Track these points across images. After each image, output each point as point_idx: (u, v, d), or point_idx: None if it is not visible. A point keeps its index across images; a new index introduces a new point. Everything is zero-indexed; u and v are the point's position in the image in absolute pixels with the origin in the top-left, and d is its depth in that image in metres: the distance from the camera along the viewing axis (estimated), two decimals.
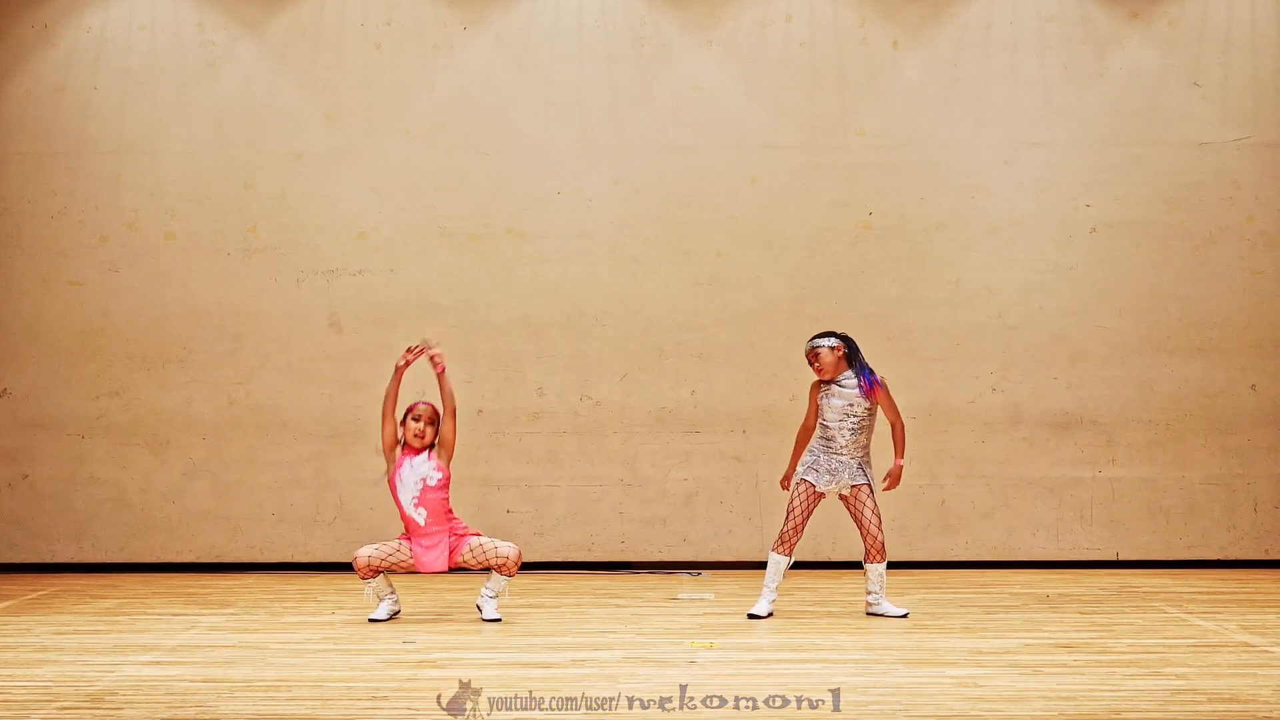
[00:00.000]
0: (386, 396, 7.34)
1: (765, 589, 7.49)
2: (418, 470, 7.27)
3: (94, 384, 9.81)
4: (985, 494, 9.72)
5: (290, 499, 9.78)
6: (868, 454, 7.47)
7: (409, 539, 7.32)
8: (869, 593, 7.51)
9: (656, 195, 9.81)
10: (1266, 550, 9.69)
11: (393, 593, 7.47)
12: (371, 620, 7.37)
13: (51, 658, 6.37)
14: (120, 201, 9.85)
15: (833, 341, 7.47)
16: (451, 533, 7.33)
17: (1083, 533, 9.70)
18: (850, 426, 7.39)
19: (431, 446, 7.32)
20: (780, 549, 7.47)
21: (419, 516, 7.27)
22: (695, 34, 9.86)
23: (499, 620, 7.36)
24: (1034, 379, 9.73)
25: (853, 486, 7.41)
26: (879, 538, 7.44)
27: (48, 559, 9.82)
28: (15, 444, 9.82)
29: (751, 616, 7.42)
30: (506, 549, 7.33)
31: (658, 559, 9.77)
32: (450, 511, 7.37)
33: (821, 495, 7.47)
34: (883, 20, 9.83)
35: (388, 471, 7.34)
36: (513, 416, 9.74)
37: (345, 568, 9.71)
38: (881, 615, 7.45)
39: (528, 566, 9.51)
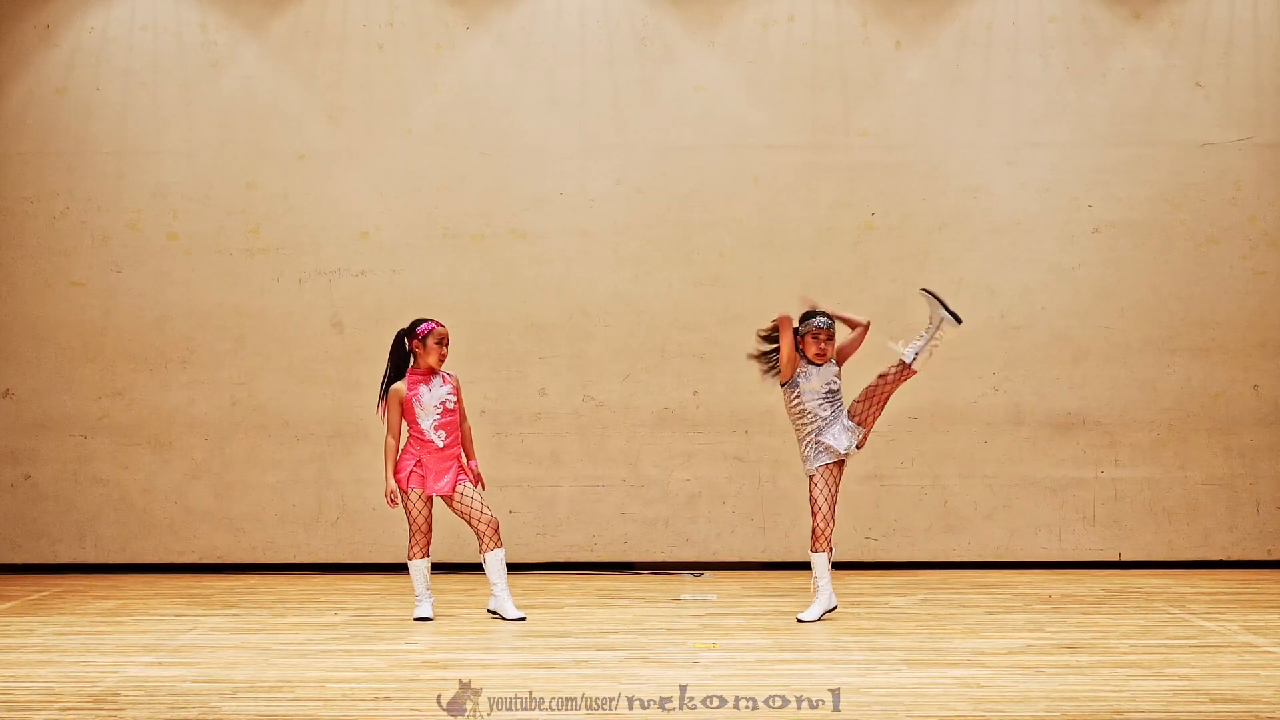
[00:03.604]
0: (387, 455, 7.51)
1: (820, 591, 7.31)
2: (436, 394, 7.44)
3: (96, 384, 9.81)
4: (987, 494, 9.71)
5: (292, 499, 9.78)
6: (842, 407, 7.38)
7: (420, 464, 7.40)
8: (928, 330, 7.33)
9: (659, 195, 9.81)
10: (1269, 551, 9.69)
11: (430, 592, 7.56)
12: (418, 619, 7.41)
13: (54, 658, 6.38)
14: (122, 202, 9.86)
15: (832, 325, 7.40)
16: (458, 459, 7.48)
17: (1085, 533, 9.70)
18: (829, 402, 7.34)
19: (443, 372, 7.51)
20: (820, 546, 7.30)
21: (438, 439, 7.42)
22: (697, 34, 9.86)
23: (524, 619, 7.39)
24: (1036, 379, 9.73)
25: (855, 420, 7.33)
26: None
27: (50, 560, 9.82)
28: (17, 444, 9.82)
29: (801, 621, 7.28)
30: (488, 515, 7.41)
31: (660, 559, 9.77)
32: (460, 443, 7.52)
33: (841, 466, 7.32)
34: (885, 20, 9.83)
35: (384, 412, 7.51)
36: (515, 417, 9.74)
37: (348, 568, 9.73)
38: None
39: (530, 567, 9.53)
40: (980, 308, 9.73)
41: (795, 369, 7.35)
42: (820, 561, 7.34)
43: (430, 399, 7.41)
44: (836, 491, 7.34)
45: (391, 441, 7.44)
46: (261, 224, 9.84)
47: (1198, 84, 9.77)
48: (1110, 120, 9.78)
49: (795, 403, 7.37)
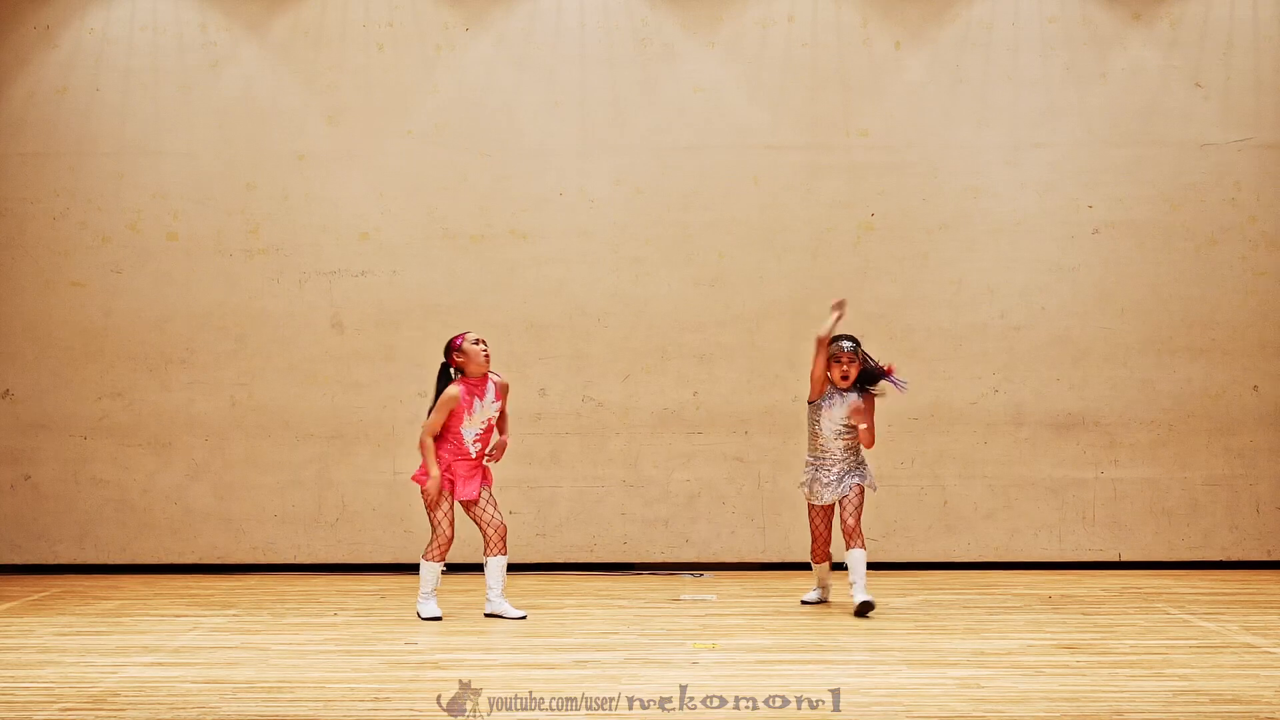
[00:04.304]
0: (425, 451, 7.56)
1: (820, 583, 7.93)
2: (486, 410, 7.54)
3: (96, 385, 9.81)
4: (987, 495, 9.71)
5: (292, 500, 9.78)
6: (859, 456, 7.70)
7: (451, 469, 7.47)
8: (852, 584, 7.58)
9: (658, 196, 9.81)
10: (1269, 551, 9.68)
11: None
12: (427, 619, 7.43)
13: (54, 659, 6.38)
14: (122, 202, 9.86)
15: (858, 350, 7.60)
16: (483, 466, 7.60)
17: (1085, 533, 9.69)
18: (844, 439, 7.62)
19: (492, 378, 7.58)
20: (816, 559, 7.83)
21: (473, 450, 7.53)
22: (697, 35, 9.86)
23: (525, 617, 7.45)
24: (1036, 379, 9.73)
25: (850, 485, 7.61)
26: (854, 526, 7.58)
27: (50, 560, 9.82)
28: (17, 445, 9.82)
29: (805, 602, 7.92)
30: (498, 521, 7.54)
31: (660, 560, 9.77)
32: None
33: (832, 506, 7.72)
34: (885, 20, 9.83)
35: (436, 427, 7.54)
36: (515, 417, 9.69)
37: (348, 569, 9.72)
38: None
39: (530, 568, 9.53)
40: (980, 308, 9.74)
41: (822, 391, 7.64)
42: (820, 570, 7.90)
43: (480, 413, 7.51)
44: (829, 522, 7.74)
45: (430, 440, 7.47)
46: (261, 224, 9.84)
47: (1198, 84, 9.77)
48: (1110, 120, 9.78)
49: (813, 425, 7.69)
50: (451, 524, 7.49)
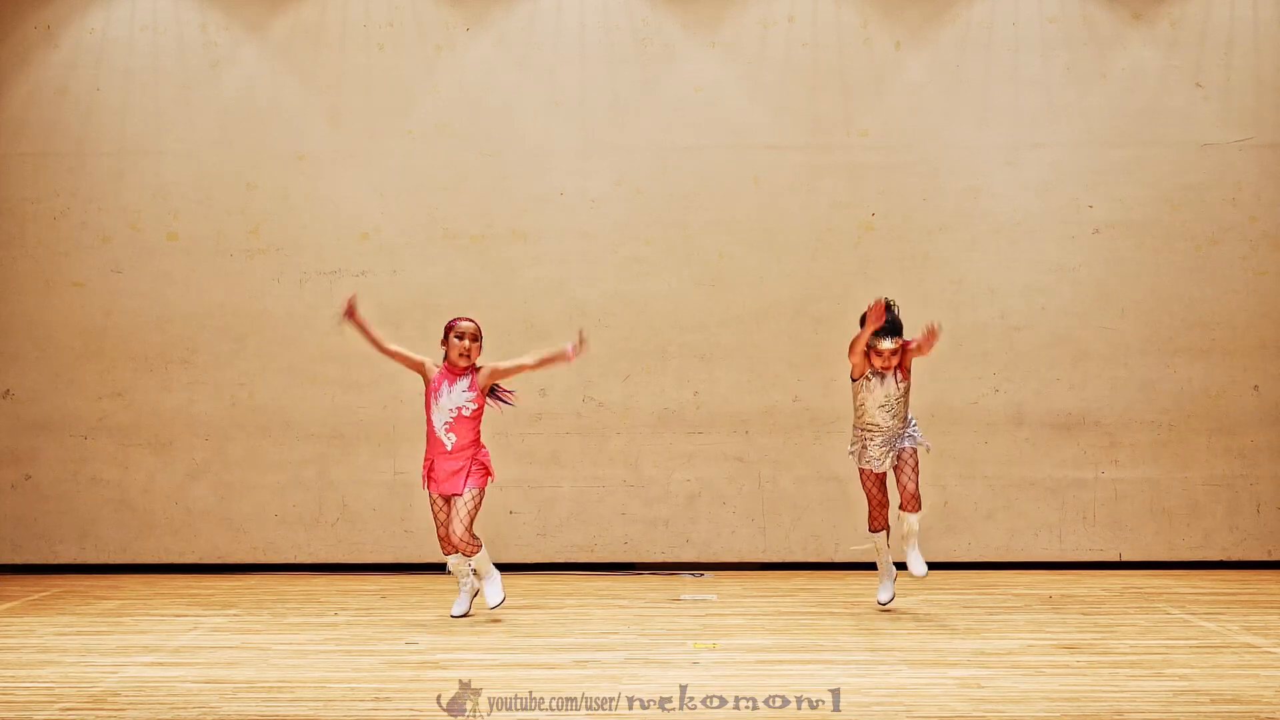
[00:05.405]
0: (373, 343, 7.48)
1: (884, 574, 7.72)
2: (455, 398, 7.36)
3: (96, 385, 9.81)
4: (988, 495, 9.71)
5: (293, 500, 9.78)
6: (907, 422, 7.59)
7: (433, 465, 7.37)
8: (904, 538, 7.60)
9: (659, 196, 9.81)
10: (1269, 551, 9.68)
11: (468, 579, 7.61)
12: (455, 616, 7.48)
13: (54, 659, 6.38)
14: (123, 202, 9.86)
15: (897, 350, 7.50)
16: (474, 460, 7.38)
17: (1085, 533, 9.69)
18: (890, 412, 7.52)
19: (473, 371, 7.40)
20: (874, 526, 7.69)
21: (448, 441, 7.35)
22: (698, 35, 9.86)
23: (503, 599, 7.44)
24: (1036, 380, 9.72)
25: (900, 449, 7.52)
26: (915, 491, 7.53)
27: (50, 560, 9.82)
28: (18, 445, 9.82)
29: (883, 603, 7.67)
30: (459, 529, 7.30)
31: (660, 560, 9.76)
32: (478, 440, 7.43)
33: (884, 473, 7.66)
34: (885, 21, 9.83)
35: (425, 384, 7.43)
36: (515, 417, 9.70)
37: (348, 569, 9.72)
38: (904, 568, 7.63)
39: (530, 568, 9.54)
40: (980, 308, 9.74)
41: (863, 370, 7.52)
42: (877, 540, 7.74)
43: (447, 401, 7.35)
44: (883, 486, 7.65)
45: (382, 345, 7.44)
46: (261, 224, 9.84)
47: (1198, 84, 9.77)
48: (1110, 121, 9.78)
49: (857, 402, 7.60)
50: (449, 514, 7.33)
